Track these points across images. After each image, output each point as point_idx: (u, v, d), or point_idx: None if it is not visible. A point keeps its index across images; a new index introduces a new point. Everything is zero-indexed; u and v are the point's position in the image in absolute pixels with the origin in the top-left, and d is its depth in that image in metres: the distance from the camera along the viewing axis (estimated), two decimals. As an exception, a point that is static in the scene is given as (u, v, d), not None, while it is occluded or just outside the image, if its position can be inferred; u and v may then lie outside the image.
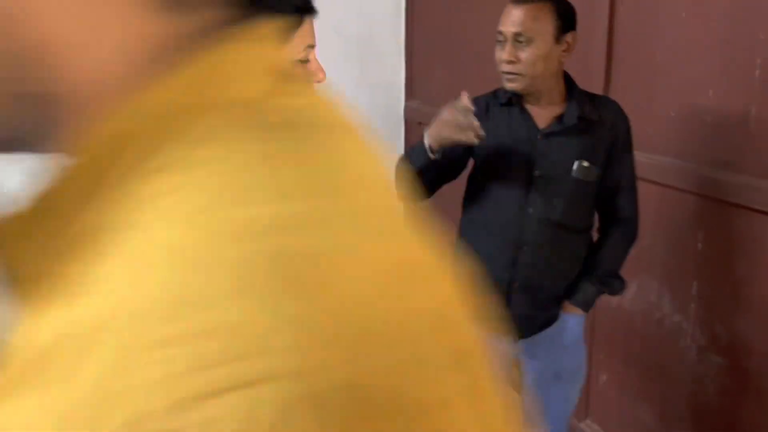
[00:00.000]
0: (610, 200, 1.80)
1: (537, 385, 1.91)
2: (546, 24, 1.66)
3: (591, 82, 2.43)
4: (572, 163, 1.71)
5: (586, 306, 1.82)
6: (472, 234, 1.86)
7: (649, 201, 2.28)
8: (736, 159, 1.98)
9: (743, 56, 1.93)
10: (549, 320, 1.83)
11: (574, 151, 1.72)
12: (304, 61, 1.12)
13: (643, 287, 2.35)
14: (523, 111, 1.76)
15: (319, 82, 1.16)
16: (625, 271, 2.40)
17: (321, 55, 1.18)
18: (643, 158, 2.26)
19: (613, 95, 2.39)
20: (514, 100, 1.77)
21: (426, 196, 1.84)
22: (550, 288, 1.80)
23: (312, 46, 1.14)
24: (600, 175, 1.75)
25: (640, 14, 2.28)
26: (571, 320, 1.83)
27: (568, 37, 1.69)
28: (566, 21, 1.68)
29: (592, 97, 1.78)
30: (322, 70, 1.17)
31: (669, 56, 2.18)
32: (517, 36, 1.66)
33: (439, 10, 3.62)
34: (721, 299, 2.07)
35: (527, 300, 1.79)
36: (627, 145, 1.77)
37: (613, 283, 1.84)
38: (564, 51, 1.70)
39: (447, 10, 3.52)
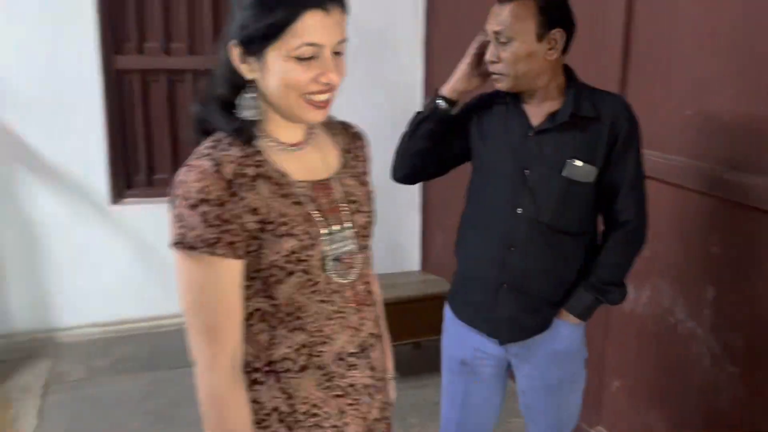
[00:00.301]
0: (611, 203, 1.71)
1: (528, 392, 1.85)
2: (526, 22, 1.59)
3: (606, 79, 2.37)
4: (564, 162, 1.66)
5: (582, 315, 1.73)
6: (467, 233, 1.82)
7: (663, 202, 2.21)
8: (754, 160, 1.90)
9: (762, 54, 1.86)
10: (542, 325, 1.75)
11: (567, 150, 1.65)
12: (303, 59, 1.07)
13: (657, 292, 2.28)
14: (518, 108, 1.71)
15: (329, 83, 1.09)
16: (637, 275, 2.33)
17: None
18: (657, 158, 2.20)
19: (629, 93, 2.33)
20: (509, 99, 1.73)
21: (414, 166, 1.83)
22: (540, 291, 1.73)
23: (313, 45, 1.06)
24: (599, 176, 1.67)
25: (658, 11, 2.21)
26: (565, 328, 1.75)
27: (555, 34, 1.61)
28: (552, 18, 1.60)
29: (593, 93, 1.68)
30: (331, 70, 1.08)
31: (686, 53, 2.11)
32: (497, 35, 1.63)
33: (459, 8, 3.58)
34: (736, 305, 1.99)
35: (515, 302, 1.73)
36: (629, 144, 1.66)
37: (611, 292, 1.72)
38: (550, 49, 1.62)
39: (466, 7, 3.47)
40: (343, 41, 1.11)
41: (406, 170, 1.83)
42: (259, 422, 1.16)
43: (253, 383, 1.16)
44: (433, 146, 1.79)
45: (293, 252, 1.11)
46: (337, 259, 1.16)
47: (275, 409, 1.16)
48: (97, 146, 3.46)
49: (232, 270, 1.09)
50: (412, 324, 3.18)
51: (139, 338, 3.53)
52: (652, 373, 2.34)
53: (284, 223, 1.11)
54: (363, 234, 1.22)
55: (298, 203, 1.13)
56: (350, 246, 1.18)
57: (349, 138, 1.29)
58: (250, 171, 1.11)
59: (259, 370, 1.16)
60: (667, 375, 2.26)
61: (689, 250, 2.16)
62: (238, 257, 1.09)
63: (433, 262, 4.05)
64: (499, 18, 1.61)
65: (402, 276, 3.61)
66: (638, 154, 1.70)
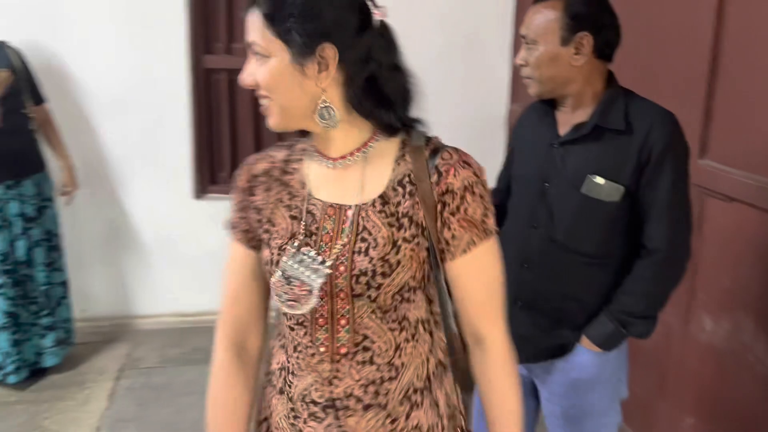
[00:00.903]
0: (642, 227, 1.55)
1: (549, 417, 1.74)
2: (550, 25, 1.50)
3: (691, 92, 2.18)
4: (585, 178, 1.52)
5: (602, 344, 1.59)
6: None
7: (748, 228, 2.00)
8: None
9: None
10: (561, 349, 1.63)
11: (589, 165, 1.52)
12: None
13: (736, 326, 2.07)
14: (550, 116, 1.61)
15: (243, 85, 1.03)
16: (716, 306, 2.13)
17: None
18: (743, 178, 2.00)
19: (715, 107, 2.13)
20: (538, 106, 1.63)
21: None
22: (554, 312, 1.61)
23: (247, 44, 1.01)
24: (631, 196, 1.52)
25: (750, 17, 2.00)
26: (586, 355, 1.61)
27: (581, 38, 1.50)
28: (578, 21, 1.49)
29: (631, 103, 1.53)
30: (243, 71, 1.02)
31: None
32: (524, 38, 1.56)
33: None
34: (825, 349, 1.77)
35: (529, 320, 1.62)
36: (663, 163, 1.48)
37: (634, 323, 1.56)
38: (576, 54, 1.51)
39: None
40: (256, 44, 0.99)
41: None
42: (258, 423, 1.18)
43: (266, 384, 1.18)
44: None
45: (266, 264, 1.09)
46: (288, 282, 1.04)
47: (266, 419, 1.17)
48: (184, 142, 3.58)
49: (243, 257, 1.13)
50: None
51: (213, 331, 3.62)
52: (729, 414, 2.13)
53: (268, 231, 1.10)
54: (359, 281, 1.01)
55: (295, 218, 1.07)
56: (310, 277, 1.03)
57: (421, 172, 1.04)
58: (276, 173, 1.11)
59: (267, 374, 1.18)
60: (745, 418, 2.05)
61: (775, 282, 1.94)
62: (252, 248, 1.12)
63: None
64: (525, 20, 1.56)
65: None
66: (677, 176, 1.50)
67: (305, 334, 1.07)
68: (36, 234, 3.00)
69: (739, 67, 2.05)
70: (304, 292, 1.03)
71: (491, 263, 1.08)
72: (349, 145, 1.06)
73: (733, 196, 2.04)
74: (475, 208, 1.04)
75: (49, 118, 3.13)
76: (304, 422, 1.09)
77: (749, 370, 2.02)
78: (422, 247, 1.04)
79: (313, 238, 1.05)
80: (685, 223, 1.55)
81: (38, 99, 3.07)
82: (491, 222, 1.06)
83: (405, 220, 1.03)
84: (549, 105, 1.63)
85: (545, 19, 1.51)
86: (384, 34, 1.03)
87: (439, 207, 1.03)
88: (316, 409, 1.08)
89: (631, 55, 2.57)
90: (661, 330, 2.40)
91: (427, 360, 1.10)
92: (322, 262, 1.03)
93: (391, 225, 1.03)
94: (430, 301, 1.10)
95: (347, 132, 1.06)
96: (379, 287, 1.02)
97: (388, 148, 1.07)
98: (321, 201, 1.07)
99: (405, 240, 1.03)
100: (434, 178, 1.03)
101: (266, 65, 0.99)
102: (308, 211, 1.07)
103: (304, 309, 1.04)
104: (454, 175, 1.03)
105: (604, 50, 1.54)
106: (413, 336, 1.08)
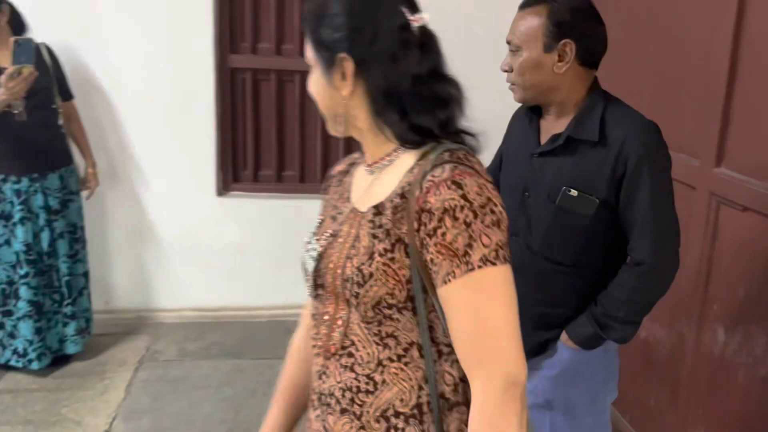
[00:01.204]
0: (621, 236, 1.54)
1: (530, 407, 1.74)
2: (534, 31, 1.50)
3: (709, 99, 2.14)
4: (560, 190, 1.51)
5: (582, 343, 1.59)
6: None
7: (763, 238, 1.96)
8: None
9: None
10: (543, 347, 1.65)
11: (564, 177, 1.51)
12: None
13: (748, 338, 2.03)
14: (535, 125, 1.61)
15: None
16: (728, 318, 2.09)
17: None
18: (758, 187, 1.96)
19: (733, 114, 2.09)
20: (522, 112, 1.65)
21: None
22: (535, 315, 1.61)
23: None
24: (602, 208, 1.50)
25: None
26: (565, 351, 1.62)
27: (564, 46, 1.49)
28: (562, 29, 1.48)
29: (609, 112, 1.51)
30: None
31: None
32: (509, 43, 1.57)
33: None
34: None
35: None
36: (640, 176, 1.46)
37: (612, 327, 1.55)
38: (559, 61, 1.50)
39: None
40: (306, 56, 1.08)
41: None
42: None
43: None
44: None
45: None
46: (302, 267, 1.12)
47: None
48: (208, 140, 3.64)
49: None
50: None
51: (231, 326, 3.67)
52: (739, 426, 2.09)
53: (317, 225, 1.17)
54: (346, 286, 1.02)
55: (333, 218, 1.14)
56: (309, 264, 1.10)
57: (414, 187, 0.99)
58: (341, 175, 1.20)
59: None
60: (755, 431, 2.01)
61: (789, 294, 1.90)
62: None
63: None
64: (513, 26, 1.57)
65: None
66: (657, 187, 1.47)
67: (314, 325, 1.12)
68: (59, 226, 3.07)
69: (757, 75, 2.01)
70: (308, 277, 1.11)
71: (478, 303, 0.95)
72: (378, 153, 1.08)
73: (748, 206, 2.00)
74: (455, 235, 0.93)
75: (75, 114, 3.21)
76: (310, 404, 1.16)
77: (761, 384, 1.98)
78: (402, 264, 0.99)
79: (337, 238, 1.07)
80: (670, 236, 1.53)
81: (66, 95, 3.15)
82: (477, 255, 0.93)
83: (383, 233, 1.00)
84: (535, 112, 1.64)
85: (529, 26, 1.52)
86: (422, 41, 1.02)
87: (415, 225, 0.97)
88: (314, 396, 1.13)
89: (649, 64, 2.54)
90: (673, 340, 2.37)
91: (420, 388, 1.02)
92: (314, 250, 1.09)
93: (374, 236, 1.01)
94: (431, 328, 1.01)
95: (375, 140, 1.07)
96: (357, 296, 1.01)
97: (408, 159, 1.04)
98: (350, 205, 1.11)
99: (379, 253, 0.99)
100: (417, 193, 0.97)
101: (311, 75, 1.08)
102: (340, 212, 1.12)
103: (309, 293, 1.13)
104: (434, 195, 0.95)
105: (588, 58, 1.53)
106: (400, 358, 1.02)
